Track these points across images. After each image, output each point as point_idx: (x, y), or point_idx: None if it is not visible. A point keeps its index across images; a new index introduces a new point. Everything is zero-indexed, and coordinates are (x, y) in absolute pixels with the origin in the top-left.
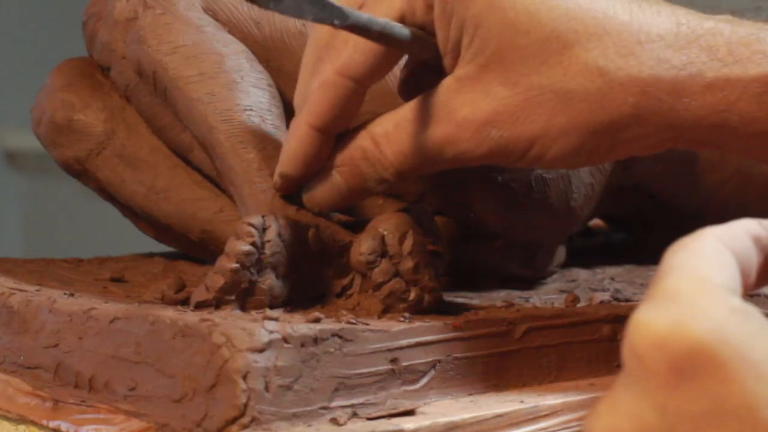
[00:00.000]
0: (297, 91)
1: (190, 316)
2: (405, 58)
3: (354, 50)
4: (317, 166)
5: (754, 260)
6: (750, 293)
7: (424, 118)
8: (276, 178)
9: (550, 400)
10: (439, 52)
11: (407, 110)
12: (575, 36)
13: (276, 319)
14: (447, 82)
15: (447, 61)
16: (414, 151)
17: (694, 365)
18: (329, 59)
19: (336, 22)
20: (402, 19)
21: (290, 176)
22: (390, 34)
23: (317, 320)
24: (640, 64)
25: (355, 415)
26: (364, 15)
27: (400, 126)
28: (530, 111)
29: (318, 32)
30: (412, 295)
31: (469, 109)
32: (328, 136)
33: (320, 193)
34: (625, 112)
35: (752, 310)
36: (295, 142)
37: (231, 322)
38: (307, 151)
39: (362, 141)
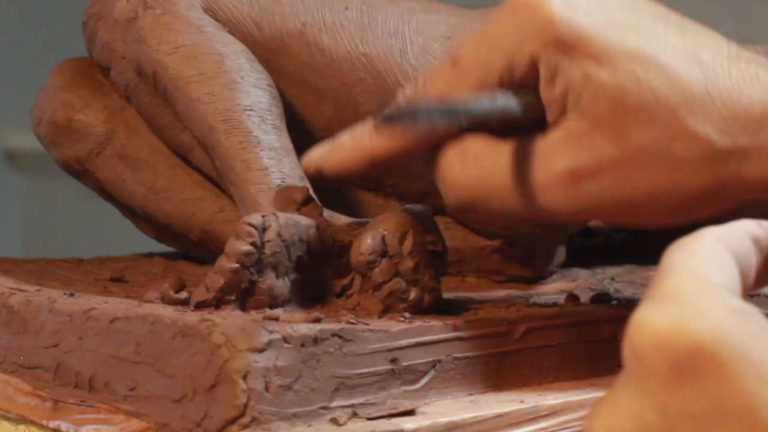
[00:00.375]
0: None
1: (190, 316)
2: None
3: None
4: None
5: (753, 260)
6: (749, 293)
7: (520, 161)
8: (312, 165)
9: (550, 400)
10: (530, 111)
11: (505, 148)
12: (680, 100)
13: (276, 319)
14: (554, 134)
15: (550, 114)
16: (501, 190)
17: (694, 365)
18: None
19: (463, 122)
20: (500, 80)
21: (326, 176)
22: (506, 117)
23: (317, 320)
24: (744, 130)
25: (355, 415)
26: (485, 107)
27: (495, 162)
28: (636, 171)
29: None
30: (412, 295)
31: (573, 161)
32: (381, 168)
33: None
34: (730, 177)
35: (752, 310)
36: (348, 159)
37: (231, 322)
38: (354, 172)
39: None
